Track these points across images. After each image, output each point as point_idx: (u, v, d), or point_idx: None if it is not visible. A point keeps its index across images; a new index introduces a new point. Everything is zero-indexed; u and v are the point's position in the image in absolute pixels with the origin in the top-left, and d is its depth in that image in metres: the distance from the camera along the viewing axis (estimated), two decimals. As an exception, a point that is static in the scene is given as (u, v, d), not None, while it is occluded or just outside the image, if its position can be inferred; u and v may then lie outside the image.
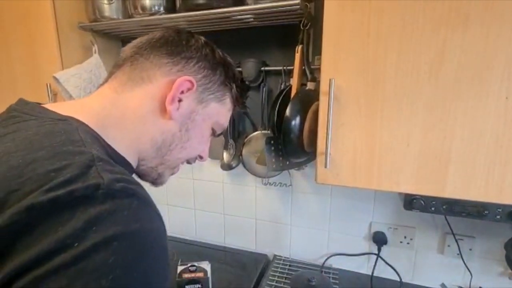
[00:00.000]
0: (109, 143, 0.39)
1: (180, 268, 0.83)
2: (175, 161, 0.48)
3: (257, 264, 1.12)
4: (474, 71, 0.58)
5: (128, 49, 0.47)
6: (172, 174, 0.52)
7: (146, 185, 0.37)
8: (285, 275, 1.04)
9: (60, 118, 0.36)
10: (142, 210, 0.29)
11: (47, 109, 0.38)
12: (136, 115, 0.43)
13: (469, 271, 0.92)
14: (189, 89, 0.45)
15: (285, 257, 1.15)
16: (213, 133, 0.52)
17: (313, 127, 0.75)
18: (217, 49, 0.50)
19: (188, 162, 0.52)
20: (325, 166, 0.69)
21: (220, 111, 0.50)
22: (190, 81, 0.44)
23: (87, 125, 0.38)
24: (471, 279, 0.93)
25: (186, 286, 0.83)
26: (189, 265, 0.84)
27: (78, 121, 0.37)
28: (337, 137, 0.69)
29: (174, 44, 0.46)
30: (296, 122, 0.77)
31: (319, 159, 0.71)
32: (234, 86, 0.51)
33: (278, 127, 0.83)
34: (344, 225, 1.06)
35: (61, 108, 0.39)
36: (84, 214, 0.25)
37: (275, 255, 1.17)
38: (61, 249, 0.24)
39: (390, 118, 0.65)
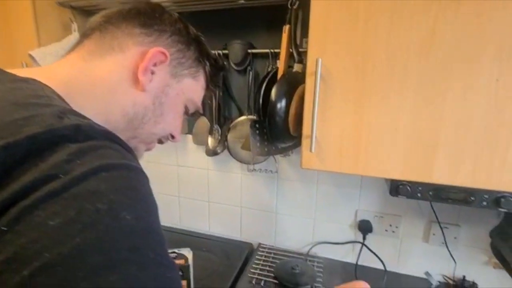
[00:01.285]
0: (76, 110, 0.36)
1: (159, 255, 0.81)
2: (149, 135, 0.46)
3: (242, 252, 1.10)
4: (465, 50, 0.55)
5: (97, 18, 0.45)
6: (148, 149, 0.49)
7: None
8: (269, 263, 1.02)
9: (22, 78, 0.33)
10: (124, 152, 0.29)
11: (4, 71, 0.35)
12: (106, 83, 0.41)
13: (454, 259, 0.91)
14: (162, 62, 0.43)
15: (270, 246, 1.13)
16: (186, 111, 0.50)
17: (299, 110, 0.72)
18: (190, 26, 0.49)
19: (160, 141, 0.50)
20: (310, 150, 0.66)
21: (194, 88, 0.49)
22: (164, 53, 0.43)
23: (51, 88, 0.34)
24: (455, 268, 0.93)
25: (165, 274, 0.80)
26: (169, 252, 0.81)
27: (41, 83, 0.34)
28: (323, 120, 0.66)
29: (147, 16, 0.44)
30: (281, 105, 0.74)
31: (305, 143, 0.68)
32: (207, 63, 0.51)
33: (263, 110, 0.79)
34: (330, 213, 1.04)
35: (20, 72, 0.35)
36: (65, 150, 0.24)
37: (259, 244, 1.15)
38: (46, 180, 0.22)
39: (378, 102, 0.62)
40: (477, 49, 0.55)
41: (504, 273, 0.89)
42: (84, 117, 0.30)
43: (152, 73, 0.43)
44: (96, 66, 0.41)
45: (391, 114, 0.61)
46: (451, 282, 0.94)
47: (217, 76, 0.54)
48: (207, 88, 0.53)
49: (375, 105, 0.62)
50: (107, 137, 0.28)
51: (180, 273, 0.81)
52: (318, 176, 1.02)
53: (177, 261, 0.80)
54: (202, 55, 0.49)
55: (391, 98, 0.61)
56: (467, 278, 0.92)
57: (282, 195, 1.08)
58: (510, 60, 0.53)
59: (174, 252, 0.81)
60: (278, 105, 0.74)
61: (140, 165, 0.31)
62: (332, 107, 0.65)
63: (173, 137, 0.50)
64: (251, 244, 1.16)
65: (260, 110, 0.80)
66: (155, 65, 0.42)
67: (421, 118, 0.60)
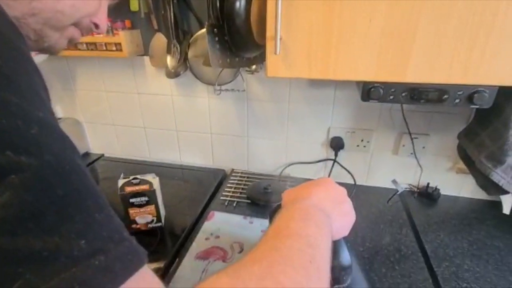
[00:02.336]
0: None
1: (121, 182, 0.76)
2: (54, 15, 0.34)
3: (215, 178, 1.09)
4: None
5: None
6: (70, 41, 0.39)
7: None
8: (242, 186, 1.01)
9: None
10: None
11: None
12: None
13: (421, 167, 0.94)
14: None
15: (243, 170, 1.12)
16: None
17: (263, 9, 0.62)
18: None
19: (79, 28, 0.39)
20: (275, 53, 0.58)
21: None
22: None
23: None
24: (420, 175, 0.96)
25: (131, 200, 0.76)
26: (131, 178, 0.76)
27: None
28: (289, 16, 0.57)
29: None
30: (241, 3, 0.63)
31: (269, 46, 0.60)
32: None
33: (222, 12, 0.68)
34: (302, 133, 1.01)
35: None
36: None
37: (232, 169, 1.13)
38: None
39: (352, -13, 0.53)
40: None
41: (464, 177, 0.94)
42: None
43: None
44: None
45: (366, 1, 0.53)
46: (415, 189, 0.98)
47: None
48: None
49: (348, -8, 0.53)
50: None
51: (147, 198, 0.77)
52: (290, 93, 0.96)
53: (141, 187, 0.76)
54: None
55: (366, -19, 0.52)
56: (431, 185, 0.96)
57: (252, 118, 1.03)
58: None
59: (136, 178, 0.76)
60: (237, 3, 0.63)
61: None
62: (299, -2, 0.55)
63: (96, 26, 0.39)
64: (224, 170, 1.14)
65: (218, 13, 0.69)
66: None
67: (398, 5, 0.52)
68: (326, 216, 0.36)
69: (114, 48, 0.92)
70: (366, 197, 0.97)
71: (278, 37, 0.57)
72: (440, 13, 0.51)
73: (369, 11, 0.54)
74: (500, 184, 0.63)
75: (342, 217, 0.40)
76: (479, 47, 0.52)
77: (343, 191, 0.44)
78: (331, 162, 1.00)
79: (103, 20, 0.40)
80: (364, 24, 0.55)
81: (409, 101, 0.60)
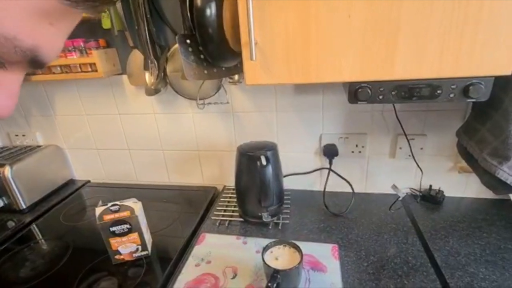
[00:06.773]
0: None
1: (99, 210, 0.70)
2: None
3: (206, 198, 1.03)
4: None
5: None
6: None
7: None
8: (234, 204, 0.95)
9: None
10: None
11: None
12: None
13: (421, 169, 0.88)
14: None
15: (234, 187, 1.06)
16: None
17: (235, 14, 0.58)
18: None
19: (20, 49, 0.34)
20: (251, 59, 0.53)
21: None
22: None
23: None
24: (421, 178, 0.90)
25: (111, 229, 0.70)
26: (109, 205, 0.70)
27: None
28: (262, 18, 0.53)
29: None
30: (211, 11, 0.59)
31: (244, 51, 0.55)
32: None
33: (193, 22, 0.64)
34: (293, 143, 0.96)
35: None
36: None
37: (224, 186, 1.07)
38: None
39: (326, -18, 0.49)
40: None
41: (467, 177, 0.88)
42: None
43: None
44: None
45: (343, -4, 0.49)
46: (418, 193, 0.92)
47: None
48: None
49: (323, -12, 0.49)
50: None
51: (128, 226, 0.71)
52: (276, 102, 0.91)
53: (121, 214, 0.70)
54: None
55: (341, -25, 0.48)
56: (434, 187, 0.91)
57: (240, 130, 0.98)
58: None
59: (115, 205, 0.70)
60: (207, 11, 0.59)
61: None
62: (272, -1, 0.52)
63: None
64: (215, 188, 1.09)
65: (190, 22, 0.65)
66: None
67: (378, -4, 0.48)
68: None
69: (89, 69, 0.88)
70: (366, 205, 0.91)
71: (253, 42, 0.53)
72: (423, 3, 0.47)
73: (346, 6, 0.50)
74: (508, 181, 0.57)
75: None
76: (469, 36, 0.48)
77: None
78: (327, 171, 0.95)
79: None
80: (343, 21, 0.51)
81: (400, 100, 0.55)
